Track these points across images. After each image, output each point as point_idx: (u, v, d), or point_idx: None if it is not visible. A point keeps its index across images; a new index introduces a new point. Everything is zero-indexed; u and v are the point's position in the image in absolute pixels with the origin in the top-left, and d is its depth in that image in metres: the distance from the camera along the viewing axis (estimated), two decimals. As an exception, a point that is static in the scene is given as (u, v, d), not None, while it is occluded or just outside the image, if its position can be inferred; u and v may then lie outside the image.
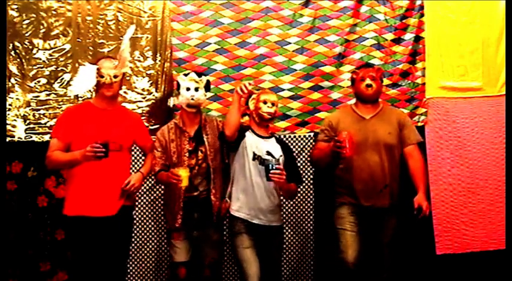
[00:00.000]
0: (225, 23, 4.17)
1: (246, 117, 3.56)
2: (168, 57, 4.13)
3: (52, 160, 3.18)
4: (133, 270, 4.02)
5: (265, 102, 3.39)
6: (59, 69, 4.03)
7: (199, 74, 3.43)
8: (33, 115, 3.99)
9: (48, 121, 3.98)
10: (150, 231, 4.05)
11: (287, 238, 4.14)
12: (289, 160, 3.48)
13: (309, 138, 4.20)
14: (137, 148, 3.62)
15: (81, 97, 3.97)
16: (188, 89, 3.35)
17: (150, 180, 3.89)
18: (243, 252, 3.25)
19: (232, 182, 3.38)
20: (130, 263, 3.99)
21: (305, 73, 4.24)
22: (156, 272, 4.06)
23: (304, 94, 4.24)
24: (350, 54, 4.30)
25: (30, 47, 4.01)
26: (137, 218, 3.99)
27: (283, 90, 4.21)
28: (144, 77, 4.12)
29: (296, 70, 4.23)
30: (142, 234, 4.04)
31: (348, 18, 4.30)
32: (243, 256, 3.24)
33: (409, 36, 4.36)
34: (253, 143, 3.35)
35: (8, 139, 3.88)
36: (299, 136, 4.21)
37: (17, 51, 3.99)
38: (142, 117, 3.89)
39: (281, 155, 3.39)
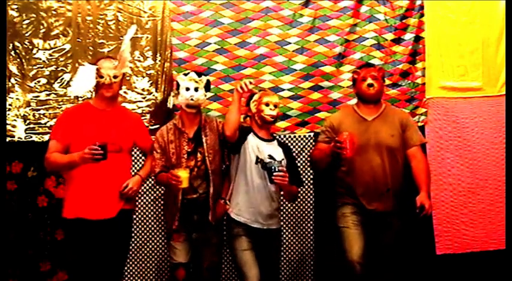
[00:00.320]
0: (225, 23, 4.17)
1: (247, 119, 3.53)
2: (168, 57, 4.12)
3: (51, 162, 3.15)
4: (134, 270, 4.02)
5: (267, 105, 3.34)
6: (59, 69, 4.02)
7: (199, 74, 3.36)
8: (33, 115, 3.98)
9: (48, 121, 3.97)
10: (151, 231, 4.05)
11: (287, 239, 4.15)
12: (291, 163, 3.44)
13: (309, 138, 4.20)
14: (137, 149, 3.61)
15: (81, 97, 3.96)
16: (188, 89, 3.29)
17: (152, 179, 3.89)
18: (242, 255, 3.22)
19: (233, 185, 3.34)
20: (132, 263, 3.99)
21: (305, 73, 4.24)
22: (158, 273, 4.06)
23: (304, 94, 4.24)
24: (350, 54, 4.31)
25: (30, 47, 4.00)
26: (138, 218, 3.99)
27: (283, 90, 4.21)
28: (144, 77, 4.12)
29: (296, 70, 4.23)
30: (143, 234, 4.04)
31: (348, 18, 4.30)
32: (242, 258, 3.21)
33: (409, 36, 4.36)
34: (255, 146, 3.30)
35: (8, 139, 3.87)
36: (299, 136, 4.21)
37: (17, 51, 3.99)
38: (143, 118, 3.89)
39: (283, 159, 3.34)
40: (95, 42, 4.06)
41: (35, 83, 4.00)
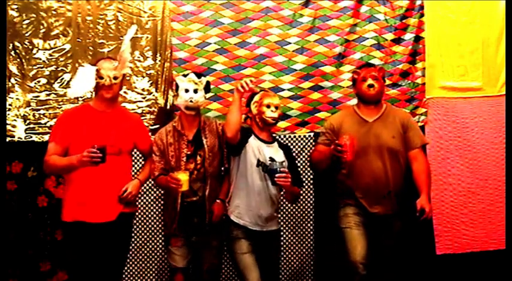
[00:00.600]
0: (225, 23, 4.17)
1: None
2: (168, 57, 4.12)
3: (49, 164, 3.10)
4: (134, 270, 4.02)
5: (268, 106, 3.29)
6: (59, 69, 4.02)
7: (199, 75, 3.30)
8: (33, 115, 3.99)
9: (48, 121, 3.97)
10: (151, 231, 4.05)
11: (287, 239, 4.15)
12: (292, 165, 3.41)
13: (309, 138, 4.20)
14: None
15: (81, 97, 3.96)
16: (187, 90, 3.22)
17: (151, 180, 3.88)
18: (242, 258, 3.19)
19: (233, 187, 3.31)
20: (132, 263, 4.00)
21: (305, 73, 4.24)
22: (158, 273, 4.06)
23: (304, 94, 4.24)
24: (350, 54, 4.30)
25: (30, 47, 4.00)
26: (139, 218, 3.99)
27: (283, 90, 4.21)
28: (144, 77, 4.12)
29: (296, 70, 4.23)
30: (143, 234, 4.04)
31: (348, 18, 4.30)
32: (242, 261, 3.19)
33: (409, 36, 4.36)
34: (256, 149, 3.26)
35: (8, 139, 3.87)
36: (299, 136, 4.21)
37: (17, 51, 3.99)
38: (143, 118, 3.88)
39: (284, 161, 3.29)
40: (95, 42, 4.06)
41: (35, 83, 4.00)
